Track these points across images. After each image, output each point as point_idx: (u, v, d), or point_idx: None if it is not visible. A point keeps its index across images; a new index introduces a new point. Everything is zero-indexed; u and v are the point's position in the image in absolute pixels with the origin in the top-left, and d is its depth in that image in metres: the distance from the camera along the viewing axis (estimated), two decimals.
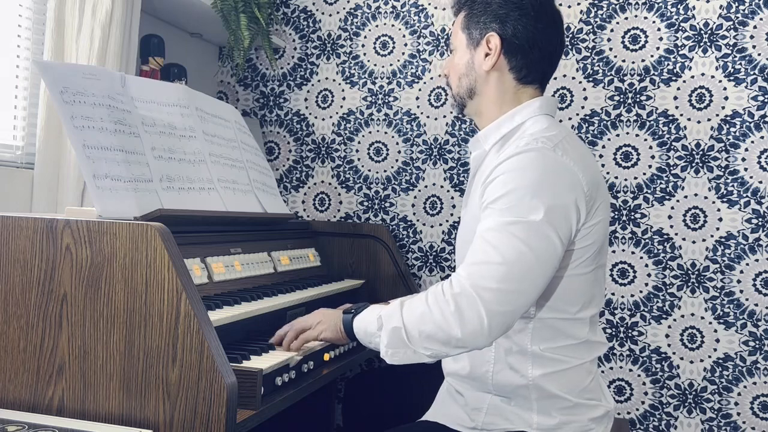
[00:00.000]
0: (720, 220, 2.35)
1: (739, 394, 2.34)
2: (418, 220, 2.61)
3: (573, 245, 1.43)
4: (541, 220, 1.35)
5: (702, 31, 2.37)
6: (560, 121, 2.47)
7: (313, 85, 2.71)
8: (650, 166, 2.40)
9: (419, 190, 2.60)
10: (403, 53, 2.62)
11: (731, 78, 2.34)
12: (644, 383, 2.41)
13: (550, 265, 1.37)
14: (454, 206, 2.57)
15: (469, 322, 1.31)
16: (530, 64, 1.53)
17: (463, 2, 1.59)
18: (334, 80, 2.69)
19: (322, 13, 2.70)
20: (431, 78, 2.59)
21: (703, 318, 2.36)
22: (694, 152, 2.37)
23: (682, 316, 2.38)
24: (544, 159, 1.40)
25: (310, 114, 2.72)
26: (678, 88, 2.38)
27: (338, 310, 1.58)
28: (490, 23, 1.52)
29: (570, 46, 2.47)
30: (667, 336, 2.39)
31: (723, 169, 2.35)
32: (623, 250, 2.42)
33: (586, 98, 2.46)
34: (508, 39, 1.51)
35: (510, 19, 1.51)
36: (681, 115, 2.38)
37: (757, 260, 2.32)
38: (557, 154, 1.41)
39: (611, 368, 2.44)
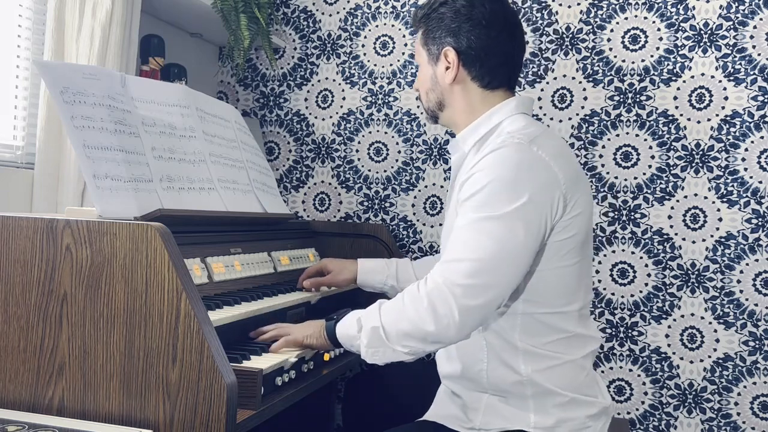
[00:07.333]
0: (720, 220, 2.35)
1: (739, 394, 2.34)
2: (418, 220, 2.61)
3: (552, 238, 1.45)
4: (512, 214, 1.39)
5: (702, 31, 2.37)
6: (560, 121, 2.47)
7: (313, 85, 2.71)
8: (650, 166, 2.40)
9: (419, 190, 2.60)
10: (403, 53, 2.62)
11: (731, 78, 2.34)
12: (644, 383, 2.41)
13: (521, 259, 1.40)
14: None
15: (443, 317, 1.36)
16: (491, 72, 1.56)
17: (420, 20, 1.62)
18: (334, 80, 2.69)
19: (322, 13, 2.70)
20: None
21: (703, 318, 2.36)
22: (694, 152, 2.37)
23: (682, 316, 2.38)
24: (520, 154, 1.43)
25: (310, 114, 2.72)
26: (678, 88, 2.38)
27: (321, 320, 1.60)
28: (445, 38, 1.56)
29: (570, 46, 2.47)
30: (667, 336, 2.39)
31: (723, 169, 2.35)
32: (623, 250, 2.42)
33: (586, 98, 2.46)
34: (464, 51, 1.55)
35: (462, 31, 1.54)
36: (681, 115, 2.38)
37: (757, 260, 2.32)
38: (533, 149, 1.44)
39: (611, 368, 2.44)
